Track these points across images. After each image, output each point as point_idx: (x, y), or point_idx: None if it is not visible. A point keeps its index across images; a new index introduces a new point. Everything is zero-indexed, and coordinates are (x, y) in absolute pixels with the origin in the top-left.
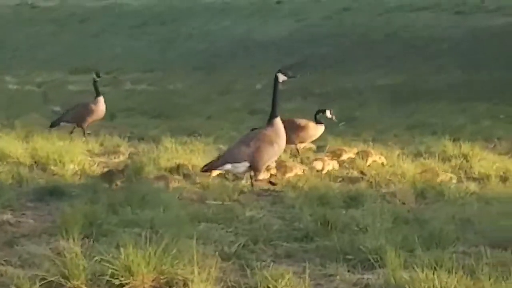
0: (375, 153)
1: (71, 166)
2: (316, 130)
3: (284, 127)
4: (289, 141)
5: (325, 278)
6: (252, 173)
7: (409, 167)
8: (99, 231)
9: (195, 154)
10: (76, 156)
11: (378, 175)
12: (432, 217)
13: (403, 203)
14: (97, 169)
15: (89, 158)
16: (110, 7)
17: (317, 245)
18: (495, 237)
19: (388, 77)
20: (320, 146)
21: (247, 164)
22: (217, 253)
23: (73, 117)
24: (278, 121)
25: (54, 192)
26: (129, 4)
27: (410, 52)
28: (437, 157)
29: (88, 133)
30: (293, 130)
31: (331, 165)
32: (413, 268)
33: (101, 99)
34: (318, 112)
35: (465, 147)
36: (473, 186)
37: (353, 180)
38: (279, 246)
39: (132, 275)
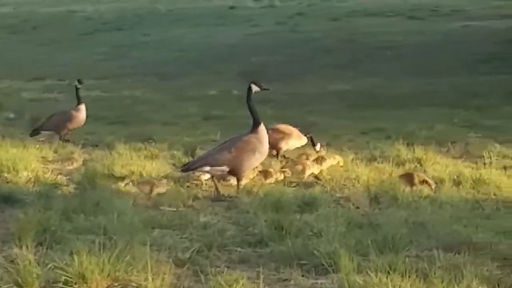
0: (328, 156)
1: (25, 173)
2: (300, 138)
3: (271, 134)
4: (277, 148)
5: (279, 283)
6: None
7: (363, 172)
8: (52, 238)
9: (149, 160)
10: (29, 163)
11: (332, 180)
12: (385, 221)
13: (357, 208)
14: (50, 176)
15: (43, 165)
16: (63, 14)
17: (272, 250)
18: (448, 240)
19: (342, 83)
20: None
21: (226, 168)
22: (171, 259)
23: (54, 125)
24: (262, 128)
25: (7, 200)
26: (83, 11)
27: (364, 57)
28: (391, 162)
29: (41, 140)
30: (280, 137)
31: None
32: (367, 272)
33: (83, 106)
34: (307, 134)
35: (419, 152)
36: (426, 190)
37: (307, 185)
38: (233, 251)
39: (86, 282)
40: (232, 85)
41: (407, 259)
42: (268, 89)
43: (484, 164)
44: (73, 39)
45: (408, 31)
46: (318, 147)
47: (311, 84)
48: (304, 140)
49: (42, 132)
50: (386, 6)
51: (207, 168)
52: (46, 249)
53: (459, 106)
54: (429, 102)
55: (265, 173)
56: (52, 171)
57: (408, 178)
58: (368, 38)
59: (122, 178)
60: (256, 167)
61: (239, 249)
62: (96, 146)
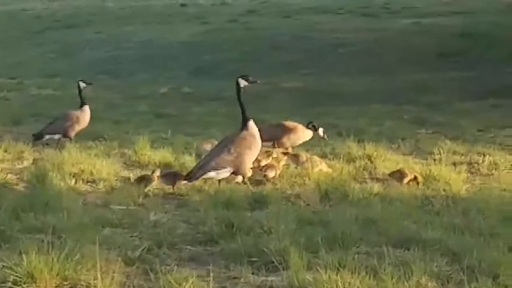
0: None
1: None
2: (304, 133)
3: (275, 130)
4: (280, 144)
5: (229, 281)
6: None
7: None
8: (1, 238)
9: (100, 159)
10: None
11: (283, 177)
12: (336, 218)
13: (308, 205)
14: (0, 175)
15: None
16: (14, 12)
17: (222, 248)
18: (398, 237)
19: (294, 80)
20: None
21: (230, 170)
22: (120, 258)
23: (62, 128)
24: (252, 124)
25: None
26: (34, 9)
27: (315, 54)
28: (342, 158)
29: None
30: (284, 132)
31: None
32: (317, 269)
33: (87, 107)
34: (309, 123)
35: (369, 148)
36: (376, 187)
37: (258, 183)
38: (183, 249)
39: (35, 282)
40: (183, 83)
41: (357, 256)
42: (256, 82)
43: (434, 160)
44: (24, 37)
45: (360, 28)
46: (321, 131)
47: (263, 81)
48: (308, 134)
49: (48, 135)
50: (337, 3)
51: (212, 173)
52: None
53: (410, 102)
54: (381, 99)
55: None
56: (1, 170)
57: (399, 174)
58: (320, 35)
59: (72, 177)
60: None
61: (189, 247)
62: (47, 144)
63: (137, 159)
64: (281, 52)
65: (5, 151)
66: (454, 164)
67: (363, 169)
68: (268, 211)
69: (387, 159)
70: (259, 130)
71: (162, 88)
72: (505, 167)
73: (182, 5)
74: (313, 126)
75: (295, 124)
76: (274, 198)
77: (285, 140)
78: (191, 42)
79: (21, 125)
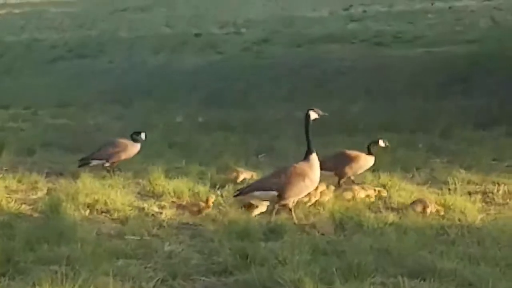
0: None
1: None
2: (366, 161)
3: (337, 160)
4: (343, 173)
5: None
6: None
7: (329, 198)
8: (15, 269)
9: (114, 189)
10: None
11: (298, 207)
12: (350, 248)
13: (322, 234)
14: (14, 206)
15: (6, 195)
16: (27, 41)
17: (236, 279)
18: (413, 267)
19: (304, 109)
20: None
21: (275, 193)
22: None
23: (107, 154)
24: (314, 157)
25: None
26: (46, 38)
27: (326, 83)
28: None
29: (5, 169)
30: (345, 162)
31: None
32: None
33: (139, 144)
34: (370, 144)
35: (384, 177)
36: (391, 216)
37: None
38: (198, 280)
39: None
40: (196, 111)
41: (372, 286)
42: (326, 115)
43: (449, 189)
44: (38, 67)
45: (372, 57)
46: (381, 142)
47: (274, 109)
48: (370, 162)
49: (93, 161)
50: (349, 32)
51: (257, 193)
52: (9, 279)
53: (421, 130)
54: (392, 127)
55: None
56: (15, 200)
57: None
58: (332, 63)
59: (87, 207)
60: None
61: (203, 278)
62: (61, 174)
63: (152, 189)
64: (294, 80)
65: (19, 181)
66: (469, 193)
67: (378, 199)
68: (283, 241)
69: (402, 189)
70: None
71: (175, 117)
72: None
73: (196, 34)
74: (370, 147)
75: (357, 152)
76: (289, 228)
77: (347, 169)
78: (203, 70)
79: (34, 155)
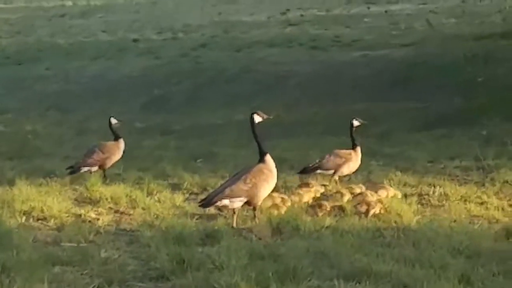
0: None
1: None
2: (358, 158)
3: (336, 160)
4: (341, 173)
5: None
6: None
7: (267, 202)
8: None
9: (51, 196)
10: None
11: (235, 212)
12: (287, 252)
13: (260, 239)
14: None
15: None
16: None
17: (173, 284)
18: (349, 270)
19: (244, 113)
20: (177, 183)
21: (244, 199)
22: None
23: (97, 160)
24: (269, 158)
25: None
26: None
27: (265, 87)
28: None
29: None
30: (345, 162)
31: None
32: None
33: (121, 140)
34: (351, 134)
35: (321, 181)
36: (328, 220)
37: (210, 217)
38: (134, 286)
39: None
40: (134, 117)
41: None
42: (270, 117)
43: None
44: None
45: (310, 61)
46: (355, 122)
47: (214, 114)
48: (359, 158)
49: (84, 168)
50: (287, 36)
51: (226, 201)
52: None
53: (360, 134)
54: (331, 130)
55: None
56: None
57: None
58: (270, 67)
59: (23, 214)
60: None
61: (140, 284)
62: None
63: (89, 195)
64: (232, 85)
65: None
66: (405, 195)
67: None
68: (220, 246)
69: (339, 191)
70: (321, 160)
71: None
72: (455, 198)
73: (134, 40)
74: (354, 140)
75: (349, 151)
76: (226, 233)
77: (345, 169)
78: (142, 76)
79: None
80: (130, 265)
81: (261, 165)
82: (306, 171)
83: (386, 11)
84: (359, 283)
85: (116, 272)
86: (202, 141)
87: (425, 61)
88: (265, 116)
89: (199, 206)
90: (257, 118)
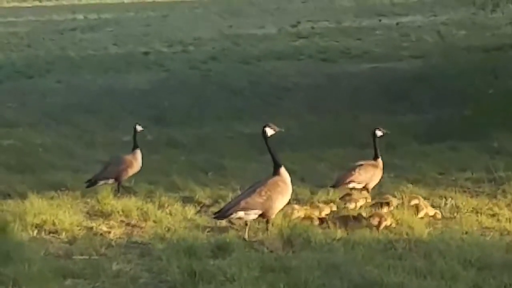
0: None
1: None
2: (381, 168)
3: (367, 172)
4: (370, 185)
5: None
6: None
7: (278, 215)
8: None
9: (62, 209)
10: None
11: (246, 224)
12: (298, 264)
13: (271, 251)
14: None
15: None
16: None
17: None
18: (360, 282)
19: (253, 126)
20: (188, 196)
21: (259, 212)
22: None
23: (115, 173)
24: (283, 171)
25: None
26: None
27: (274, 100)
28: (305, 204)
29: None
30: (374, 174)
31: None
32: None
33: (138, 151)
34: (374, 145)
35: (333, 193)
36: (339, 232)
37: (221, 230)
38: None
39: None
40: (145, 130)
41: None
42: (282, 130)
43: (397, 204)
44: None
45: (319, 73)
46: (378, 133)
47: (223, 127)
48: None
49: (101, 181)
50: (297, 49)
51: (241, 213)
52: None
53: (369, 146)
54: (339, 142)
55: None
56: None
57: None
58: (279, 80)
59: (35, 227)
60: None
61: None
62: (9, 195)
63: (100, 208)
64: (241, 98)
65: None
66: (417, 207)
67: (327, 214)
68: (231, 259)
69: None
70: (353, 173)
71: (123, 136)
72: (467, 210)
73: (145, 53)
74: (373, 138)
75: (375, 163)
76: (237, 245)
77: (374, 181)
78: (152, 89)
79: None
80: (141, 278)
81: (276, 177)
82: (338, 185)
83: (397, 24)
84: None
85: (127, 285)
86: (211, 154)
87: (435, 73)
88: (277, 129)
89: (214, 218)
90: (269, 131)
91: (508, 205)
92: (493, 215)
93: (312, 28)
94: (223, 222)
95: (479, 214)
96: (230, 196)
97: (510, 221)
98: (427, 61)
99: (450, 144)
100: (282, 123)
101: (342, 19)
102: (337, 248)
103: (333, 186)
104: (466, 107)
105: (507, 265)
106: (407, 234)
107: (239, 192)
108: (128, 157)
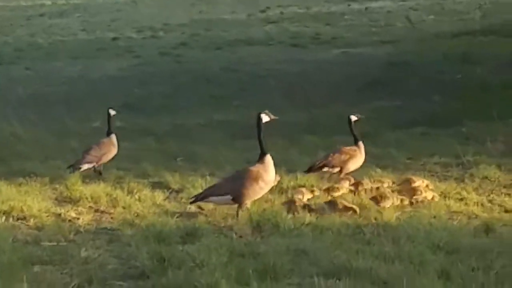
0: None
1: None
2: (362, 152)
3: (343, 157)
4: (347, 170)
5: None
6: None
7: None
8: None
9: (31, 196)
10: None
11: (215, 210)
12: (267, 250)
13: (240, 237)
14: None
15: None
16: None
17: (153, 283)
18: (329, 267)
19: (225, 113)
20: (158, 182)
21: (230, 197)
22: None
23: (96, 157)
24: (268, 158)
25: None
26: None
27: (248, 86)
28: (274, 189)
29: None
30: (350, 159)
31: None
32: None
33: (113, 135)
34: (351, 130)
35: (301, 179)
36: (308, 217)
37: (190, 215)
38: (114, 285)
39: None
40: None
41: (288, 287)
42: (277, 118)
43: (365, 189)
44: None
45: (290, 59)
46: (353, 117)
47: (195, 114)
48: (364, 156)
49: (84, 165)
50: (267, 34)
51: (214, 198)
52: None
53: (340, 132)
54: (312, 130)
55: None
56: None
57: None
58: (251, 66)
59: (3, 214)
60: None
61: (120, 282)
62: None
63: (69, 194)
64: (212, 84)
65: None
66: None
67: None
68: (200, 244)
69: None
70: (327, 158)
71: (93, 123)
72: (435, 194)
73: (114, 39)
74: (355, 136)
75: (354, 147)
76: (206, 231)
77: (350, 165)
78: (122, 75)
79: None
80: (110, 264)
81: (257, 164)
82: (312, 169)
83: (366, 8)
84: (339, 280)
85: (96, 271)
86: (183, 141)
87: (405, 58)
88: (272, 117)
89: (190, 203)
90: (265, 118)
91: (475, 189)
92: (461, 199)
93: (281, 13)
94: (192, 208)
95: (447, 198)
96: (200, 181)
97: (477, 205)
98: (397, 46)
99: (421, 130)
100: (254, 110)
101: (311, 4)
102: (305, 234)
103: (307, 171)
104: (437, 93)
105: (475, 249)
106: (375, 218)
107: (208, 178)
108: (107, 141)
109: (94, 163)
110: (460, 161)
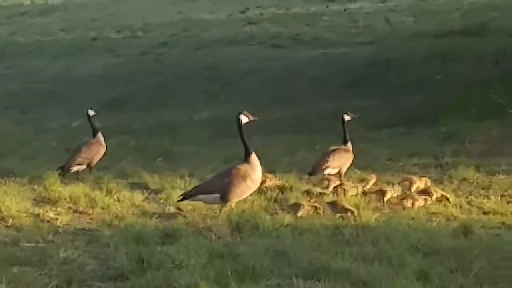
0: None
1: None
2: (351, 151)
3: (341, 157)
4: (343, 170)
5: None
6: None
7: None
8: None
9: (9, 196)
10: None
11: (194, 210)
12: (247, 251)
13: (219, 238)
14: None
15: None
16: None
17: (132, 284)
18: (308, 268)
19: (205, 112)
20: (137, 182)
21: (218, 195)
22: None
23: (87, 159)
24: (254, 158)
25: None
26: None
27: (226, 86)
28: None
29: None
30: (347, 159)
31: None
32: None
33: (100, 134)
34: (343, 130)
35: (280, 179)
36: (287, 218)
37: (169, 216)
38: (93, 286)
39: None
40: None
41: None
42: (256, 119)
43: (344, 190)
44: None
45: (271, 59)
46: (346, 117)
47: (175, 113)
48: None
49: (74, 167)
50: (247, 35)
51: (201, 197)
52: None
53: (319, 132)
54: (292, 129)
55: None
56: None
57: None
58: (231, 66)
59: None
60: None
61: (99, 283)
62: None
63: (48, 195)
64: (193, 83)
65: None
66: (364, 193)
67: (274, 201)
68: (179, 245)
69: (298, 190)
70: (328, 160)
71: (72, 122)
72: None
73: (93, 39)
74: (345, 135)
75: (346, 147)
76: (185, 232)
77: (346, 166)
78: (102, 75)
79: None
80: (89, 265)
81: (244, 164)
82: (316, 172)
83: (345, 10)
84: (318, 281)
85: (75, 272)
86: (163, 140)
87: (385, 59)
88: (251, 117)
89: (178, 201)
90: (244, 119)
91: (454, 191)
92: (439, 201)
93: (261, 14)
94: (171, 209)
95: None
96: (178, 182)
97: (456, 207)
98: (377, 47)
99: (401, 130)
100: (235, 110)
101: (290, 5)
102: (285, 234)
103: (310, 174)
104: (417, 93)
105: (454, 250)
106: (354, 220)
107: (187, 178)
108: (95, 141)
109: (85, 165)
110: (439, 162)
